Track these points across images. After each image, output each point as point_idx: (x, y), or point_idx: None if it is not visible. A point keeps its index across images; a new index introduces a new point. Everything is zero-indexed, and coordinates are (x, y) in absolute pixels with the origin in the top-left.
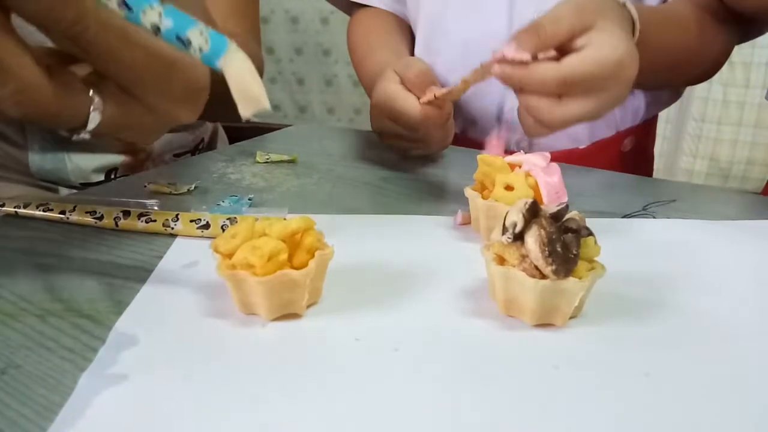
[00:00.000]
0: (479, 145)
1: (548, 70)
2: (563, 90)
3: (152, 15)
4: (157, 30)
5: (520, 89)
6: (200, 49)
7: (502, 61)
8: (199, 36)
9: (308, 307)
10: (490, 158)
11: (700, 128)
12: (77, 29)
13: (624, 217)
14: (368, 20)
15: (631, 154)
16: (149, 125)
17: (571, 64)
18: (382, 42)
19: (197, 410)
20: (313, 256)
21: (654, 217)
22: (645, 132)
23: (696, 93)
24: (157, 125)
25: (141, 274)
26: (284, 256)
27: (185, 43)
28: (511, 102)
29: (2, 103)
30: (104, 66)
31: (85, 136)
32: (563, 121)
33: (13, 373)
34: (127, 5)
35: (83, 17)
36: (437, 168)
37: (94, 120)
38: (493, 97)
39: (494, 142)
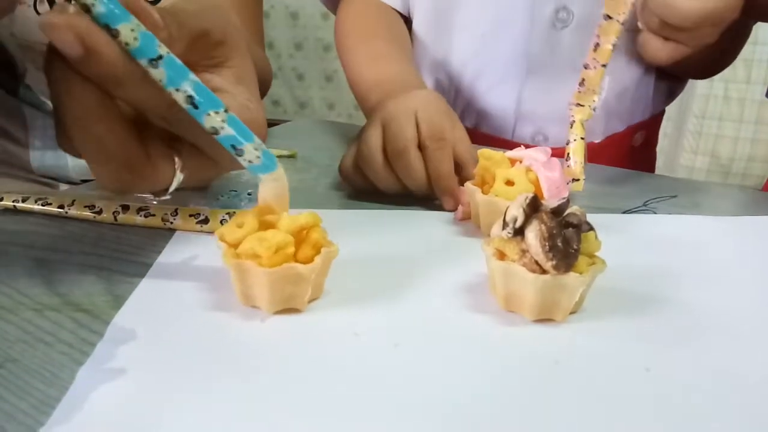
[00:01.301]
0: (491, 140)
1: None
2: None
3: (215, 119)
4: (215, 132)
5: None
6: (249, 162)
7: None
8: (252, 151)
9: (309, 302)
10: (490, 152)
11: (700, 125)
12: (170, 112)
13: (624, 212)
14: (360, 7)
15: (639, 149)
16: (213, 176)
17: None
18: (386, 41)
19: (196, 405)
20: (317, 251)
21: (655, 213)
22: (653, 127)
23: (697, 90)
24: (218, 174)
25: (140, 268)
26: (291, 250)
27: (238, 153)
28: (530, 94)
29: (100, 178)
30: (186, 134)
31: (167, 197)
32: (702, 16)
33: (11, 367)
34: (194, 104)
35: (175, 104)
36: None
37: (177, 180)
38: (512, 90)
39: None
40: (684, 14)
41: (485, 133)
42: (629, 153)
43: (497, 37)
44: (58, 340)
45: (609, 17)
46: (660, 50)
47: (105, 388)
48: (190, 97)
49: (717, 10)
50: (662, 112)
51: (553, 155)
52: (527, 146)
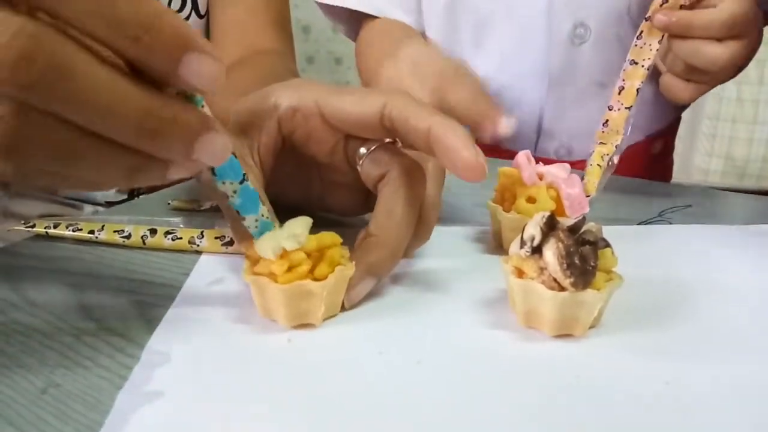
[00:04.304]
0: (514, 155)
1: (713, 13)
2: (724, 33)
3: (227, 188)
4: (226, 198)
5: (682, 36)
6: (248, 227)
7: (662, 10)
8: (253, 222)
9: (327, 319)
10: (510, 170)
11: (714, 127)
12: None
13: (640, 224)
14: (383, 27)
15: (658, 157)
16: None
17: (728, 7)
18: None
19: (233, 426)
20: (333, 270)
21: (670, 224)
22: (671, 133)
23: (710, 92)
24: None
25: (170, 291)
26: (305, 268)
27: (241, 218)
28: (551, 109)
29: None
30: None
31: None
32: (726, 60)
33: (54, 392)
34: (213, 171)
35: None
36: (455, 179)
37: None
38: (533, 107)
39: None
40: (712, 60)
41: (508, 148)
42: (649, 162)
43: (516, 55)
44: (97, 365)
45: (634, 62)
46: (683, 91)
47: (144, 411)
48: (211, 167)
49: (742, 53)
50: (679, 118)
51: (575, 167)
52: (546, 160)
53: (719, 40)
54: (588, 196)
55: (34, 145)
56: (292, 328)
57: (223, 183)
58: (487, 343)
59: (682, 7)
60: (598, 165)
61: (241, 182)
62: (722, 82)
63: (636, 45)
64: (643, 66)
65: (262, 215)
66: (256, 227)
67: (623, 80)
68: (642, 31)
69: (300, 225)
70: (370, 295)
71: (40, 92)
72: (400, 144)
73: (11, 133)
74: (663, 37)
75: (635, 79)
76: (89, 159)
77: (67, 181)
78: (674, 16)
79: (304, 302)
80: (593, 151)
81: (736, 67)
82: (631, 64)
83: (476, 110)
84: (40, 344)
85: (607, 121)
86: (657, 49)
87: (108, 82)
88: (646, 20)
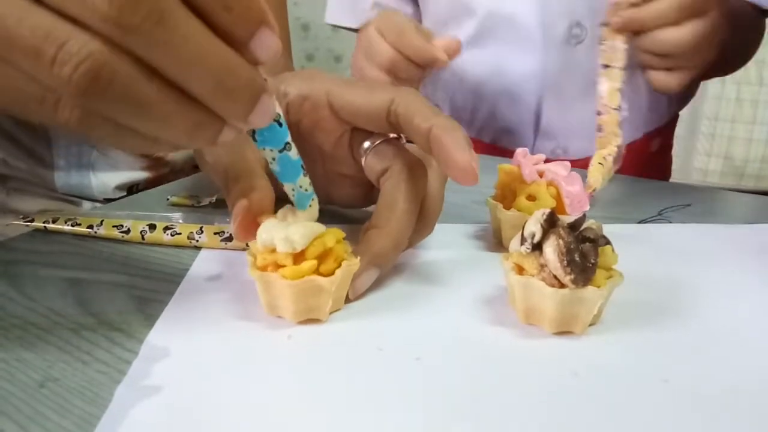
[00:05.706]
0: (512, 155)
1: (660, 2)
2: (679, 15)
3: (267, 155)
4: (267, 164)
5: (640, 31)
6: (287, 193)
7: (617, 9)
8: (290, 190)
9: (331, 313)
10: (510, 167)
11: (713, 127)
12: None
13: (640, 222)
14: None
15: (657, 154)
16: None
17: None
18: None
19: (231, 420)
20: (339, 265)
21: (670, 222)
22: (669, 131)
23: (709, 92)
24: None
25: (169, 286)
26: (313, 264)
27: (280, 184)
28: (549, 109)
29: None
30: None
31: None
32: (690, 40)
33: (52, 386)
34: (254, 138)
35: None
36: None
37: None
38: (530, 105)
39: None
40: (675, 43)
41: (504, 147)
42: (648, 159)
43: (513, 56)
44: (95, 359)
45: (607, 66)
46: (667, 81)
47: (143, 405)
48: (252, 134)
49: (708, 29)
50: (677, 115)
51: (573, 166)
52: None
53: (677, 23)
54: (594, 190)
55: (112, 89)
56: (297, 323)
57: (264, 149)
58: (486, 340)
59: (633, 5)
60: (599, 164)
61: (281, 151)
62: (707, 60)
63: (602, 50)
64: (616, 67)
65: (300, 186)
66: (292, 196)
67: (600, 85)
68: (604, 37)
69: (303, 230)
70: (371, 291)
71: (139, 35)
72: (404, 140)
73: (96, 71)
74: (627, 37)
75: (613, 80)
76: (159, 110)
77: (127, 135)
78: (625, 15)
79: (312, 298)
80: (594, 155)
81: (710, 43)
82: (603, 68)
83: (431, 48)
84: (39, 339)
85: (600, 126)
86: (626, 49)
87: (200, 35)
88: (605, 25)
